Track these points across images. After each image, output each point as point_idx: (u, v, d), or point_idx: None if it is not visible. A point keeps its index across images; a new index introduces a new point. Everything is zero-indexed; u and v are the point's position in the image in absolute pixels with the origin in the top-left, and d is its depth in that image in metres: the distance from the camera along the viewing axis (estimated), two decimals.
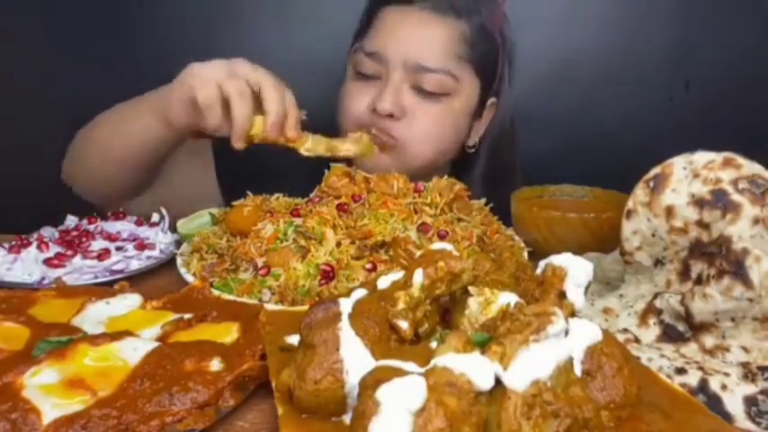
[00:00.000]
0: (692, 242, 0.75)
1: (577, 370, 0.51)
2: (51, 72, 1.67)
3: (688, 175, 0.76)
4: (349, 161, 1.11)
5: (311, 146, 1.02)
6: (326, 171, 1.03)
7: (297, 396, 0.52)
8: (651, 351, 0.70)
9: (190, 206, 1.11)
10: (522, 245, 1.00)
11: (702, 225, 0.74)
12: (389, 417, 0.43)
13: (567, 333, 0.52)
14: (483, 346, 0.51)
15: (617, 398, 0.52)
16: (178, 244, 1.05)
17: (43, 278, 0.93)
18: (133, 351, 0.63)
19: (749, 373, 0.64)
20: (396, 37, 1.20)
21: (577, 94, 1.75)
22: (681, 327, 0.73)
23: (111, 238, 1.04)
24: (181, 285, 0.86)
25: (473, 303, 0.61)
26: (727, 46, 1.72)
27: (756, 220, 0.71)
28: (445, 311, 0.65)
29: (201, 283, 0.84)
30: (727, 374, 0.64)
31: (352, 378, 0.51)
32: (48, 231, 1.07)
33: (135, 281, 0.93)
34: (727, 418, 0.60)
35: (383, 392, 0.44)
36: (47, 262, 0.95)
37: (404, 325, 0.59)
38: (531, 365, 0.47)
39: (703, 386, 0.63)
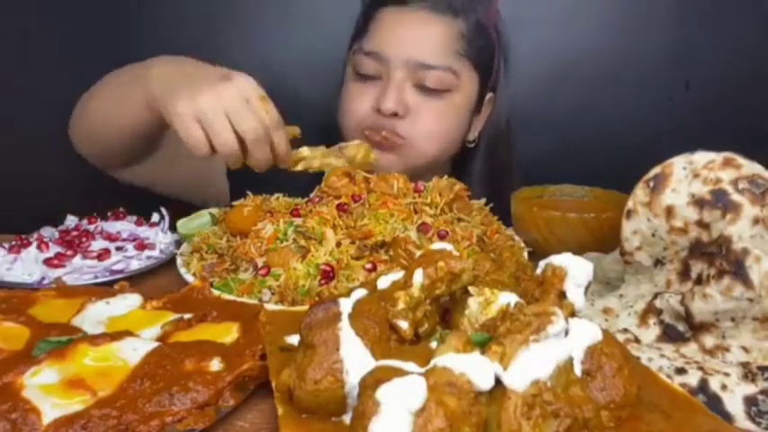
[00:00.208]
0: (692, 242, 0.75)
1: (577, 370, 0.51)
2: (51, 72, 1.67)
3: (688, 175, 0.76)
4: None
5: (303, 167, 1.02)
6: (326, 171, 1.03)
7: (297, 396, 0.52)
8: (651, 351, 0.70)
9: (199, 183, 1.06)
10: (522, 245, 1.00)
11: (702, 225, 0.74)
12: (389, 417, 0.43)
13: (567, 333, 0.52)
14: (483, 346, 0.51)
15: (617, 398, 0.52)
16: (178, 244, 1.05)
17: (43, 278, 0.93)
18: (133, 351, 0.63)
19: (749, 373, 0.64)
20: (395, 36, 1.21)
21: (577, 94, 1.75)
22: (681, 327, 0.73)
23: (111, 238, 1.04)
24: (181, 285, 0.86)
25: (473, 303, 0.61)
26: (727, 46, 1.71)
27: (756, 220, 0.71)
28: (445, 311, 0.65)
29: (201, 283, 0.84)
30: (727, 374, 0.64)
31: (352, 378, 0.51)
32: (48, 231, 1.07)
33: (135, 281, 0.93)
34: (727, 418, 0.60)
35: (383, 392, 0.44)
36: (47, 262, 0.95)
37: (404, 325, 0.59)
38: (531, 365, 0.47)
39: (703, 386, 0.63)
